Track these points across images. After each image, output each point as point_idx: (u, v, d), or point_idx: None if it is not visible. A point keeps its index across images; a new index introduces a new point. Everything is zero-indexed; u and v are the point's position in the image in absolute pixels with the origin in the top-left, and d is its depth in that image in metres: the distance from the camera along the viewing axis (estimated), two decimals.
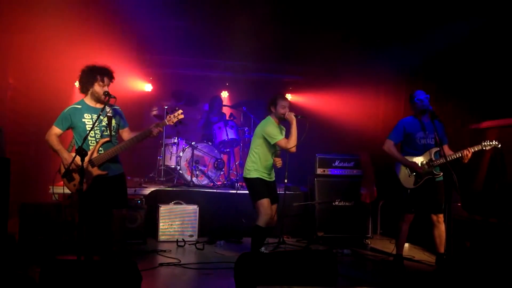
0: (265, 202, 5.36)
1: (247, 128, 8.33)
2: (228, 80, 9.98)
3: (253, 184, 5.50)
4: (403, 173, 5.41)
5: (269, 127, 5.49)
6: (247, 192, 6.78)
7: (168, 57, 8.76)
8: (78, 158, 4.12)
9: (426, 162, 5.30)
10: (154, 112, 8.67)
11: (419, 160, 5.34)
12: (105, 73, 4.53)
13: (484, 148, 5.04)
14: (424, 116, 5.36)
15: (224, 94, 9.95)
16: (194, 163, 7.62)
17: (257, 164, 5.50)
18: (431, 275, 5.32)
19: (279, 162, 5.58)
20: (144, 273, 3.85)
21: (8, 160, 4.07)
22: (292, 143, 5.35)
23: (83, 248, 4.36)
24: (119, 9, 6.68)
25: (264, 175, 5.50)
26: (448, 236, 5.27)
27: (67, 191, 4.60)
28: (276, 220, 5.57)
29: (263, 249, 5.75)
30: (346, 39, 7.45)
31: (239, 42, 7.64)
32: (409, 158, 5.37)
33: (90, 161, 4.45)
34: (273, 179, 5.66)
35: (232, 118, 8.46)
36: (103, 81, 4.50)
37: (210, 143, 7.88)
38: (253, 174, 5.49)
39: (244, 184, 6.38)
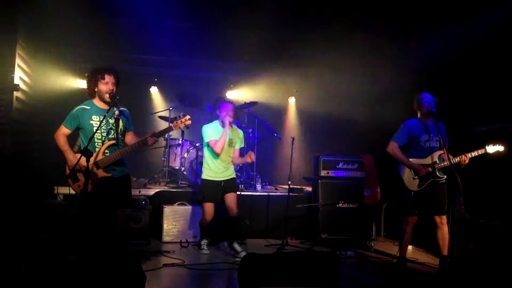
0: (205, 205, 5.93)
1: (251, 129, 8.35)
2: (232, 82, 10.00)
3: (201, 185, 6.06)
4: (407, 175, 5.41)
5: (205, 127, 6.01)
6: (250, 193, 6.85)
7: (172, 58, 8.77)
8: (83, 159, 4.14)
9: (430, 165, 5.30)
10: (159, 114, 8.68)
11: (423, 162, 5.35)
12: (106, 71, 4.56)
13: (488, 152, 5.05)
14: (428, 118, 5.36)
15: (229, 96, 9.96)
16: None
17: (205, 165, 6.02)
18: (435, 278, 5.32)
19: (250, 157, 5.92)
20: (148, 273, 3.87)
21: (14, 160, 4.10)
22: (217, 147, 5.82)
23: (87, 248, 4.38)
24: (124, 10, 6.70)
25: (211, 175, 5.95)
26: (451, 239, 5.27)
27: (72, 191, 4.62)
28: (236, 212, 5.88)
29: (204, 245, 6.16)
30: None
31: (243, 44, 7.66)
32: (413, 161, 5.38)
33: (95, 163, 4.47)
34: (228, 177, 6.01)
35: (236, 119, 8.46)
36: (104, 78, 4.52)
37: None
38: (203, 175, 6.04)
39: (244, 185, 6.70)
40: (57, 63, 7.66)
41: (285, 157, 7.12)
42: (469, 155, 5.11)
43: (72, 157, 4.50)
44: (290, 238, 6.83)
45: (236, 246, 5.88)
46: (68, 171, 4.53)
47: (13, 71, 6.21)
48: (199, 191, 6.04)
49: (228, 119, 5.87)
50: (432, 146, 5.36)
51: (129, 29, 7.25)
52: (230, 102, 6.10)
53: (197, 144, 7.76)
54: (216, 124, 6.04)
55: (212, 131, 5.94)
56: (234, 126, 6.19)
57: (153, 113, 8.62)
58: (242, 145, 6.21)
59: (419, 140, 5.38)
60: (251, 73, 9.53)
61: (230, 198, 5.89)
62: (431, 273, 5.51)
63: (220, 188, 5.94)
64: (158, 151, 8.46)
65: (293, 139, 6.93)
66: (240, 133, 6.22)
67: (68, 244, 5.65)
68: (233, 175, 6.10)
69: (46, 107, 7.60)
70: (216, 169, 5.95)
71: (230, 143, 6.00)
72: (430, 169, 5.28)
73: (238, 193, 7.17)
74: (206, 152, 6.01)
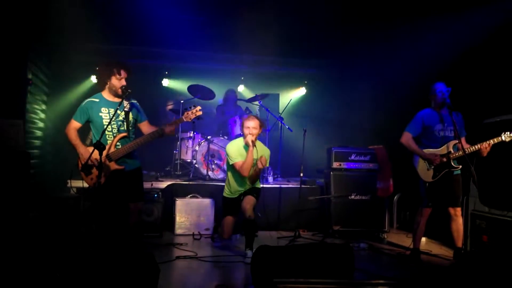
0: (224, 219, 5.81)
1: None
2: (243, 74, 9.97)
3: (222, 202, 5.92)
4: (422, 166, 5.36)
5: (229, 147, 5.73)
6: (262, 185, 6.80)
7: (184, 51, 8.77)
8: (96, 153, 4.15)
9: (444, 155, 5.24)
10: (170, 107, 8.69)
11: (437, 152, 5.29)
12: (122, 67, 4.58)
13: (505, 140, 4.95)
14: (443, 108, 5.30)
15: (240, 88, 9.94)
16: (210, 157, 7.65)
17: (226, 182, 5.84)
18: (449, 270, 5.29)
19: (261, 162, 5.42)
20: (162, 266, 3.88)
21: (29, 154, 4.12)
22: (243, 170, 5.50)
23: (101, 240, 4.41)
24: (136, 3, 6.70)
25: (230, 194, 5.78)
26: (465, 230, 5.23)
27: (85, 184, 4.64)
28: (251, 215, 5.46)
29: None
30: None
31: (255, 36, 7.63)
32: (427, 151, 5.33)
33: (107, 155, 4.49)
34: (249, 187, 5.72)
35: (247, 112, 8.46)
36: (119, 74, 4.55)
37: (225, 137, 7.89)
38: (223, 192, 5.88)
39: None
40: (69, 58, 7.71)
41: (296, 149, 7.07)
42: (491, 141, 4.98)
43: (83, 151, 4.52)
44: (302, 230, 6.82)
45: (249, 253, 5.25)
46: (80, 165, 4.56)
47: (26, 66, 6.26)
48: (222, 206, 5.92)
49: (250, 139, 5.43)
50: (446, 135, 5.29)
51: (141, 22, 7.24)
52: (252, 115, 5.73)
53: (208, 137, 7.76)
54: (240, 141, 5.73)
55: (237, 151, 5.64)
56: (259, 143, 5.74)
57: (169, 108, 8.59)
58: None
59: (433, 130, 5.32)
60: (262, 65, 9.50)
61: (246, 200, 5.56)
62: (445, 265, 5.47)
63: (239, 200, 5.68)
64: (169, 144, 8.47)
65: (305, 130, 6.89)
66: (266, 151, 5.79)
67: (82, 237, 5.70)
68: (255, 185, 5.75)
69: (59, 101, 7.66)
70: (235, 188, 5.72)
71: (254, 163, 5.54)
72: (444, 159, 5.23)
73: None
74: (228, 170, 5.80)
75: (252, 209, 5.49)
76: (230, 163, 5.65)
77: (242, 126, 5.61)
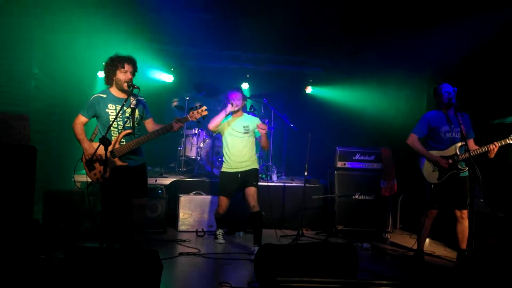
0: (219, 198, 5.90)
1: (267, 120, 8.31)
2: (248, 72, 9.96)
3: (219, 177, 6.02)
4: (427, 167, 5.34)
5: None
6: (266, 183, 6.79)
7: (189, 48, 8.77)
8: (101, 148, 4.16)
9: (451, 156, 5.22)
10: (175, 103, 8.69)
11: (444, 154, 5.27)
12: (126, 60, 4.58)
13: (511, 142, 4.94)
14: (450, 109, 5.27)
15: (245, 86, 9.93)
16: (214, 154, 7.65)
17: (224, 157, 5.96)
18: (453, 271, 5.27)
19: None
20: (165, 262, 3.89)
21: (34, 149, 4.13)
22: (210, 122, 5.77)
23: (105, 236, 4.41)
24: (142, 0, 6.71)
25: (227, 168, 5.85)
26: (470, 232, 5.21)
27: (89, 180, 4.65)
28: (255, 205, 5.63)
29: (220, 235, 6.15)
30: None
31: (260, 34, 7.62)
32: (433, 153, 5.31)
33: (111, 152, 4.49)
34: (246, 168, 5.82)
35: (252, 109, 8.45)
36: (123, 67, 4.54)
37: None
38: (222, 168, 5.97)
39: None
40: (75, 52, 7.70)
41: (301, 148, 7.06)
42: (498, 143, 4.96)
43: (88, 146, 4.53)
44: (305, 229, 6.82)
45: (256, 249, 5.05)
46: (84, 160, 4.57)
47: (31, 60, 6.27)
48: (218, 183, 6.00)
49: (231, 102, 5.70)
50: (453, 137, 5.26)
51: (147, 19, 7.25)
52: (237, 89, 5.99)
53: (213, 134, 7.76)
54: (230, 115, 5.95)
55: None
56: (249, 115, 6.08)
57: (174, 105, 8.60)
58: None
59: (439, 131, 5.29)
60: (268, 63, 9.49)
61: (248, 193, 5.69)
62: (448, 266, 5.46)
63: (237, 181, 5.79)
64: (174, 141, 8.47)
65: (310, 134, 6.87)
66: (256, 120, 5.99)
67: (86, 232, 5.72)
68: (253, 166, 5.86)
69: (65, 96, 7.66)
70: (232, 161, 5.80)
71: (246, 131, 5.82)
72: (450, 161, 5.20)
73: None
74: (223, 143, 5.93)
75: (255, 200, 5.64)
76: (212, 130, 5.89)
77: (227, 97, 5.83)
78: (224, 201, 5.84)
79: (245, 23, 7.59)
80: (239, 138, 5.79)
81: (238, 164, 5.81)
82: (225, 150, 5.88)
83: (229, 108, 5.68)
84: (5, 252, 3.08)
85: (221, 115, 5.71)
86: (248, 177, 5.77)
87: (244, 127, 5.83)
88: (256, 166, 5.93)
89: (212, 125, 5.74)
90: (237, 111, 5.81)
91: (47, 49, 7.11)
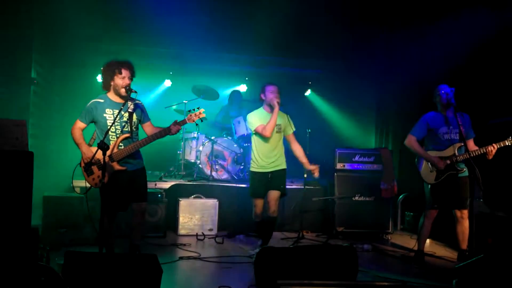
0: (253, 200, 5.56)
1: None
2: (247, 75, 9.97)
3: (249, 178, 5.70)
4: (425, 168, 5.33)
5: (249, 115, 5.59)
6: None
7: (187, 51, 8.77)
8: (99, 153, 4.15)
9: (449, 157, 5.21)
10: (174, 107, 8.68)
11: (442, 155, 5.26)
12: (123, 65, 4.55)
13: (510, 144, 4.93)
14: (448, 110, 5.26)
15: (243, 88, 9.93)
16: (213, 157, 7.64)
17: (252, 156, 5.61)
18: (454, 272, 5.25)
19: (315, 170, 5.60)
20: (165, 266, 3.87)
21: (32, 154, 4.11)
22: (266, 131, 5.37)
23: (104, 241, 4.40)
24: (140, 3, 6.72)
25: (258, 168, 5.53)
26: (470, 233, 5.19)
27: (88, 185, 4.64)
28: (275, 210, 5.48)
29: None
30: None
31: (259, 37, 7.63)
32: (432, 153, 5.30)
33: (110, 156, 4.48)
34: (276, 168, 5.54)
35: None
36: (121, 73, 4.53)
37: (229, 138, 7.89)
38: (250, 167, 5.65)
39: None
40: (73, 57, 7.71)
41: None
42: (497, 145, 4.96)
43: (86, 150, 4.53)
44: (306, 232, 6.82)
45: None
46: (83, 165, 4.56)
47: (30, 65, 6.28)
48: (249, 184, 5.72)
49: (276, 101, 5.38)
50: (451, 138, 5.25)
51: (145, 22, 7.26)
52: (273, 83, 5.61)
53: (212, 138, 7.76)
54: (261, 110, 5.61)
55: (258, 118, 5.50)
56: (280, 111, 5.63)
57: (168, 106, 8.62)
58: (294, 129, 5.69)
59: (437, 132, 5.28)
60: (267, 65, 9.48)
61: (272, 196, 5.47)
62: (449, 267, 5.44)
63: (266, 181, 5.50)
64: (173, 144, 8.47)
65: (309, 131, 6.88)
66: (287, 116, 5.70)
67: (85, 237, 5.70)
68: (283, 166, 5.60)
69: (63, 101, 7.67)
70: (263, 161, 5.50)
71: (278, 130, 5.54)
72: (448, 162, 5.20)
73: None
74: (253, 143, 5.59)
75: (276, 205, 5.49)
76: (252, 129, 5.51)
77: (263, 92, 5.55)
78: (259, 202, 5.54)
79: (243, 25, 7.61)
80: (271, 138, 5.49)
81: (269, 165, 5.53)
82: (255, 150, 5.55)
83: (277, 108, 5.39)
84: (3, 260, 3.07)
85: (274, 118, 5.38)
86: (277, 177, 5.53)
87: (277, 125, 5.51)
88: (285, 166, 5.64)
89: (269, 131, 5.36)
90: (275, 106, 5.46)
91: (46, 54, 7.12)
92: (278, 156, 5.56)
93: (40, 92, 6.96)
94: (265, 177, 5.51)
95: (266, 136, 5.40)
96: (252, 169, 5.60)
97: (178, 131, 4.63)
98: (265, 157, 5.50)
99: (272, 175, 5.51)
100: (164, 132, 4.60)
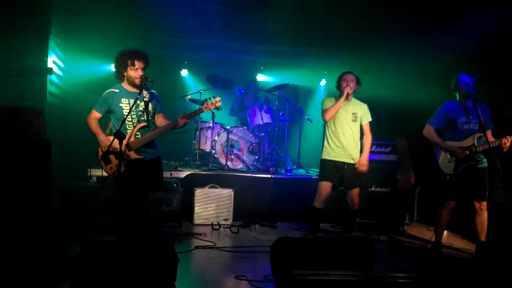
0: (321, 184, 5.61)
1: (282, 112, 8.28)
2: (263, 64, 9.92)
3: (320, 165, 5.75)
4: (443, 158, 5.26)
5: (324, 100, 5.68)
6: (281, 176, 6.73)
7: (203, 41, 8.74)
8: (116, 142, 4.16)
9: (468, 148, 5.13)
10: (189, 97, 8.68)
11: (461, 145, 5.18)
12: (136, 57, 4.53)
13: None
14: (468, 100, 5.17)
15: (259, 78, 9.89)
16: (229, 147, 7.63)
17: (326, 144, 5.68)
18: (472, 264, 5.20)
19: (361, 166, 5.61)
20: (181, 255, 3.88)
21: (49, 143, 4.14)
22: (326, 113, 5.50)
23: (121, 229, 4.42)
24: None
25: (331, 155, 5.59)
26: (489, 224, 5.12)
27: (105, 174, 4.66)
28: (356, 204, 5.71)
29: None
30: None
31: (274, 26, 7.57)
32: (450, 143, 5.22)
33: (127, 145, 4.50)
34: (351, 161, 5.61)
35: (267, 102, 8.43)
36: (134, 65, 4.52)
37: (245, 128, 7.86)
38: (322, 156, 5.71)
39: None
40: (89, 47, 7.73)
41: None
42: (511, 138, 4.89)
43: (104, 139, 4.55)
44: (321, 222, 6.77)
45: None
46: (100, 153, 4.58)
47: (46, 55, 6.31)
48: (319, 173, 5.79)
49: (347, 90, 5.42)
50: (471, 128, 5.17)
51: (160, 12, 7.23)
52: (351, 72, 5.61)
53: (227, 127, 7.74)
54: (331, 98, 5.68)
55: (329, 102, 5.55)
56: (356, 100, 5.73)
57: (183, 96, 8.62)
58: (370, 119, 5.73)
59: (457, 122, 5.20)
60: (282, 55, 9.43)
61: (353, 194, 5.67)
62: (467, 258, 5.39)
63: (343, 170, 5.59)
64: (189, 134, 8.48)
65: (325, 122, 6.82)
66: (364, 106, 5.72)
67: (102, 226, 5.73)
68: (356, 153, 5.64)
69: (80, 90, 7.70)
70: (337, 149, 5.55)
71: (354, 119, 5.57)
72: (467, 152, 5.12)
73: (269, 176, 7.18)
74: (326, 130, 5.68)
75: (357, 198, 5.71)
76: (322, 115, 5.59)
77: (339, 81, 5.58)
78: (327, 185, 5.60)
79: (258, 14, 7.54)
80: (347, 126, 5.57)
81: (344, 155, 5.58)
82: (329, 137, 5.62)
83: (345, 93, 5.43)
84: (22, 247, 3.10)
85: (339, 103, 5.45)
86: (353, 173, 5.62)
87: (353, 113, 5.60)
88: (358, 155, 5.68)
89: (328, 115, 5.48)
90: (349, 95, 5.53)
91: (62, 43, 7.15)
92: (355, 147, 5.64)
93: (57, 81, 6.99)
94: (341, 165, 5.61)
95: (324, 119, 5.56)
96: (324, 156, 5.69)
97: (185, 124, 4.61)
98: (339, 145, 5.58)
99: (349, 169, 5.62)
100: (173, 124, 4.59)
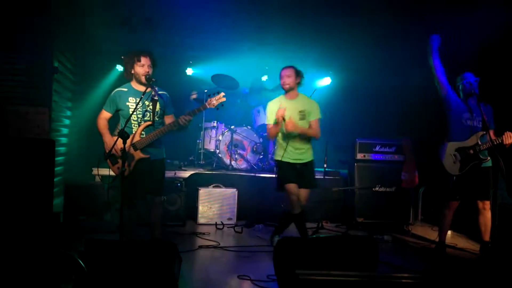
0: (287, 188, 5.16)
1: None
2: (267, 64, 9.89)
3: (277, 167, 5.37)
4: (448, 159, 5.24)
5: (268, 105, 5.34)
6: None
7: (208, 40, 8.74)
8: (120, 141, 4.17)
9: (472, 147, 5.11)
10: (194, 96, 8.69)
11: (464, 145, 5.15)
12: (142, 53, 4.57)
13: None
14: (471, 98, 5.16)
15: (264, 78, 9.87)
16: (233, 147, 7.64)
17: (277, 144, 5.35)
18: (475, 264, 5.18)
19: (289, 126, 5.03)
20: (184, 255, 3.89)
21: (53, 142, 4.16)
22: (268, 134, 5.30)
23: (125, 229, 4.43)
24: None
25: (285, 156, 5.19)
26: (493, 224, 5.11)
27: (112, 173, 4.66)
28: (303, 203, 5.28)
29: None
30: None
31: (280, 24, 7.55)
32: (454, 144, 5.20)
33: (132, 144, 4.51)
34: (302, 160, 5.25)
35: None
36: (140, 61, 4.54)
37: (249, 127, 7.87)
38: (275, 156, 5.37)
39: None
40: (95, 46, 7.75)
41: (320, 139, 6.98)
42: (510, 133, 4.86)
43: (108, 140, 4.58)
44: (325, 222, 6.78)
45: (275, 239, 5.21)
46: (106, 153, 4.60)
47: (52, 54, 6.33)
48: (276, 176, 5.34)
49: (284, 87, 5.12)
50: (474, 125, 5.14)
51: (166, 11, 7.24)
52: (289, 66, 5.22)
53: (232, 127, 7.75)
54: (281, 98, 5.27)
55: (273, 111, 5.11)
56: (302, 95, 5.30)
57: (193, 98, 8.59)
58: (319, 116, 5.25)
59: (461, 116, 5.17)
60: (288, 54, 9.40)
61: (302, 194, 5.25)
62: (471, 258, 5.37)
63: (295, 168, 5.20)
64: (193, 134, 8.48)
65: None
66: (313, 102, 5.28)
67: (106, 225, 5.76)
68: (310, 158, 5.30)
69: (84, 90, 7.73)
70: (288, 150, 5.16)
71: (302, 117, 5.15)
72: (471, 152, 5.10)
73: (273, 175, 7.16)
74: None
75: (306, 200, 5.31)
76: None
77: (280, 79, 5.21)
78: (294, 188, 5.11)
79: (263, 13, 7.53)
80: (296, 125, 5.09)
81: (295, 156, 5.22)
82: (280, 137, 5.24)
83: (284, 88, 5.15)
84: (25, 246, 3.11)
85: (279, 125, 5.06)
86: (305, 172, 5.25)
87: (300, 112, 5.17)
88: (312, 158, 5.34)
89: (271, 136, 5.24)
90: (289, 90, 5.20)
91: (68, 42, 7.17)
92: (305, 147, 5.28)
93: (62, 80, 7.02)
94: (294, 166, 5.26)
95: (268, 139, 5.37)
96: (277, 157, 5.33)
97: (186, 121, 4.55)
98: (290, 146, 5.21)
99: (301, 168, 5.28)
100: (174, 124, 4.57)
